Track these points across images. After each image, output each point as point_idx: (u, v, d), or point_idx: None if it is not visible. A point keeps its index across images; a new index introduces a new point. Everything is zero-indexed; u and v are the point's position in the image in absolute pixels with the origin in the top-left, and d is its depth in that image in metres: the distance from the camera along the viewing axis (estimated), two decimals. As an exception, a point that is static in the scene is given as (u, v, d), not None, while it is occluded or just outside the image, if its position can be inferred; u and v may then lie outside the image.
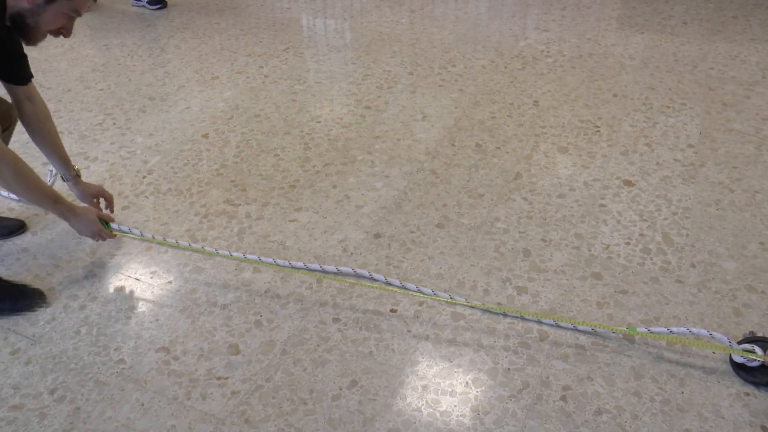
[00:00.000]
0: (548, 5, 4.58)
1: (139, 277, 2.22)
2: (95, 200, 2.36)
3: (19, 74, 2.10)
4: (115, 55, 4.04)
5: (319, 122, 3.15)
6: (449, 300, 2.04)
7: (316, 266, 2.20)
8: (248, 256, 2.24)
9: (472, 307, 2.03)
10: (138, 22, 4.62)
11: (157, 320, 2.05)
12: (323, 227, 2.42)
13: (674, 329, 1.83)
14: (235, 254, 2.24)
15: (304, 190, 2.64)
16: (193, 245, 2.28)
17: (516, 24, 4.27)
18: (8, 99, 2.15)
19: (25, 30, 1.84)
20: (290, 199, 2.59)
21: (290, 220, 2.47)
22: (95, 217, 2.14)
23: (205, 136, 3.09)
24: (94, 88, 3.61)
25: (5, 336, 2.01)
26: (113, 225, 2.27)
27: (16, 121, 2.20)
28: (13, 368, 1.90)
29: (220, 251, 2.24)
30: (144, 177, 2.78)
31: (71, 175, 2.29)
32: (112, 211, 2.37)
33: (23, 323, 2.05)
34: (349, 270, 2.17)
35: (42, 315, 2.08)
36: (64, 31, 1.88)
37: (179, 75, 3.74)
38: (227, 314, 2.05)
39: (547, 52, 3.82)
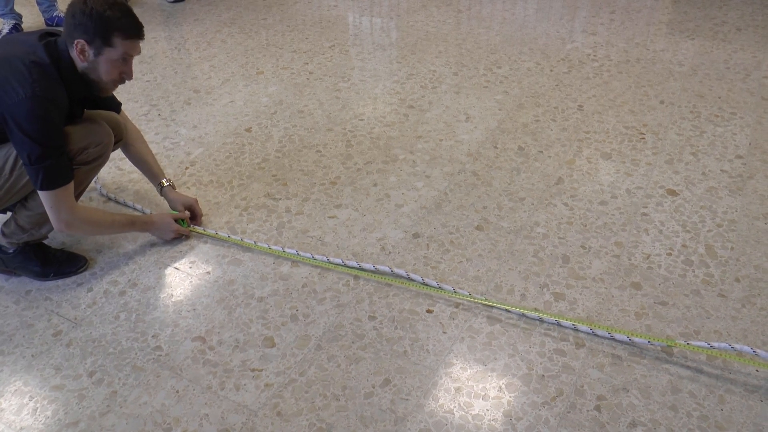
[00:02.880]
0: (597, 8, 4.52)
1: (178, 267, 2.26)
2: (185, 211, 2.45)
3: (108, 106, 2.30)
4: (163, 48, 4.11)
5: (362, 120, 3.16)
6: (484, 301, 2.03)
7: (353, 263, 2.20)
8: (287, 249, 2.26)
9: (508, 310, 2.01)
10: (186, 16, 4.69)
11: (194, 309, 2.08)
12: (362, 225, 2.43)
13: (715, 344, 1.79)
14: (274, 247, 2.27)
15: (345, 187, 2.64)
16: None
17: (563, 27, 4.22)
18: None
19: (92, 85, 2.00)
20: (330, 195, 2.60)
21: (330, 217, 2.48)
22: (171, 219, 2.35)
23: (248, 130, 3.12)
24: (140, 80, 3.68)
25: (49, 317, 2.06)
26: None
27: (123, 139, 2.38)
28: (55, 349, 1.95)
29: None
30: (186, 168, 2.82)
31: (160, 188, 2.47)
32: (198, 224, 2.45)
33: (66, 306, 2.10)
34: (387, 269, 2.17)
35: (83, 299, 2.13)
36: (124, 75, 2.01)
37: (225, 69, 3.78)
38: (264, 307, 2.07)
39: (594, 56, 3.77)
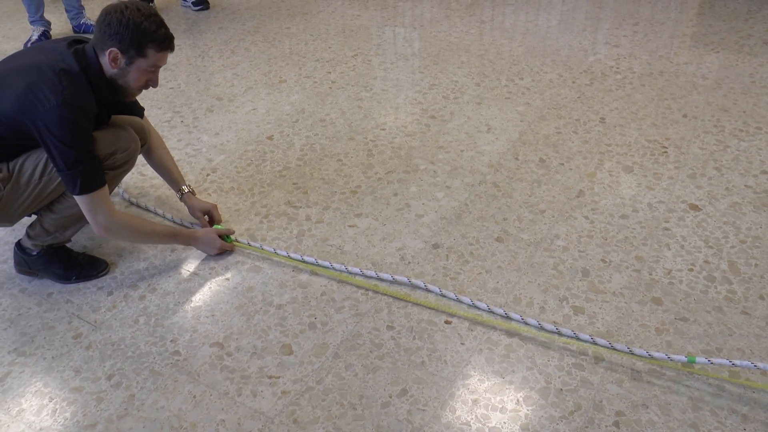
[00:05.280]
0: (620, 20, 4.50)
1: (197, 272, 2.27)
2: (204, 216, 2.46)
3: (131, 111, 2.35)
4: (187, 56, 4.15)
5: (383, 129, 3.17)
6: (500, 320, 2.02)
7: (371, 273, 2.20)
8: (306, 258, 2.27)
9: (526, 323, 2.00)
10: (210, 24, 4.73)
11: (213, 315, 2.09)
12: (382, 234, 2.43)
13: (737, 362, 1.77)
14: (293, 255, 2.28)
15: (365, 197, 2.65)
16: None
17: (586, 38, 4.21)
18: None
19: (118, 90, 2.04)
20: (351, 204, 2.61)
21: (350, 226, 2.48)
22: (215, 235, 2.33)
23: (270, 137, 3.14)
24: (164, 87, 3.71)
25: (69, 320, 2.08)
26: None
27: (146, 144, 2.41)
28: (75, 351, 1.97)
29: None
30: (208, 175, 2.84)
31: (180, 194, 2.47)
32: (219, 218, 2.48)
33: (86, 309, 2.12)
34: (405, 279, 2.16)
35: (104, 302, 2.15)
36: (150, 83, 2.05)
37: (248, 77, 3.81)
38: (282, 314, 2.08)
39: (617, 68, 3.75)
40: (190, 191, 2.47)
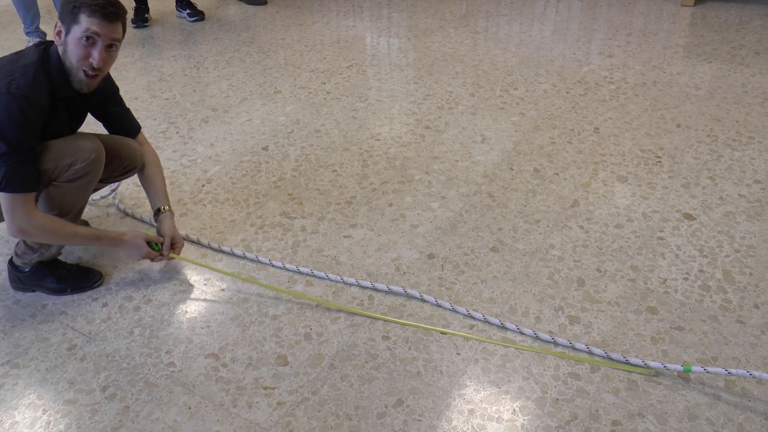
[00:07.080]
0: (613, 31, 4.53)
1: (193, 283, 2.26)
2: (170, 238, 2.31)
3: (125, 128, 2.33)
4: (182, 66, 4.15)
5: (378, 140, 3.17)
6: (496, 330, 2.02)
7: (367, 283, 2.20)
8: (301, 269, 2.27)
9: (522, 333, 2.00)
10: (205, 35, 4.74)
11: (208, 326, 2.08)
12: (377, 245, 2.43)
13: (733, 371, 1.77)
14: (289, 266, 2.27)
15: (360, 207, 2.65)
16: (260, 258, 2.29)
17: (580, 49, 4.23)
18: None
19: (71, 75, 1.98)
20: (346, 215, 2.61)
21: (345, 236, 2.48)
22: (142, 241, 2.20)
23: (265, 148, 3.14)
24: (160, 97, 3.72)
25: (64, 332, 2.07)
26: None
27: (138, 167, 2.34)
28: (69, 363, 1.96)
29: (274, 263, 2.26)
30: (203, 186, 2.84)
31: (158, 213, 2.31)
32: (177, 253, 2.29)
33: (81, 320, 2.11)
34: (400, 290, 2.16)
35: (98, 314, 2.14)
36: (91, 60, 1.93)
37: (243, 88, 3.82)
38: (277, 325, 2.07)
39: (611, 78, 3.77)
40: (170, 211, 2.33)
